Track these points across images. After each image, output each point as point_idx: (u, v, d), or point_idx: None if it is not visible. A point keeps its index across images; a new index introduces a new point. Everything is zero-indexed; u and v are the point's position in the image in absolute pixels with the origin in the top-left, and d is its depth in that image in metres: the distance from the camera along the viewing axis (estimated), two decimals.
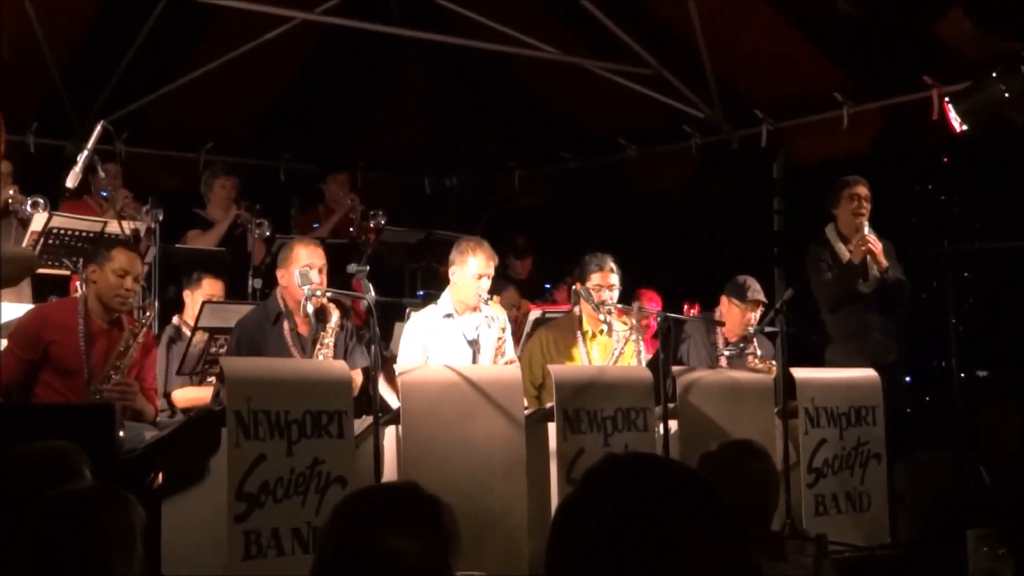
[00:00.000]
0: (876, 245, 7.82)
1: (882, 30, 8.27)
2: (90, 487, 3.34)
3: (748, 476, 3.71)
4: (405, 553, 2.29)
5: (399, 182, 11.67)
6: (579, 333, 7.32)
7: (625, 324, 7.22)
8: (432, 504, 2.44)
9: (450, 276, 6.86)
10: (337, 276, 6.81)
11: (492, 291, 6.88)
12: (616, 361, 7.12)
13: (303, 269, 6.37)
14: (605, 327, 7.13)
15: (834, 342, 8.02)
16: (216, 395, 6.68)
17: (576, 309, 7.43)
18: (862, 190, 7.95)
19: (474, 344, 6.78)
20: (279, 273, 6.61)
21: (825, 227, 8.07)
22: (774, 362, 7.44)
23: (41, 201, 7.42)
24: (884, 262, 7.83)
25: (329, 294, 6.45)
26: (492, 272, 6.77)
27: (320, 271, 6.47)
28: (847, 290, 7.88)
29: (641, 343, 7.23)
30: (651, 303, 8.43)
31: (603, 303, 7.09)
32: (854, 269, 7.86)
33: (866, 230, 7.84)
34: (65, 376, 6.07)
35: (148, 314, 6.21)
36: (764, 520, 3.79)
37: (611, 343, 7.21)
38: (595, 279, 7.23)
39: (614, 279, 7.24)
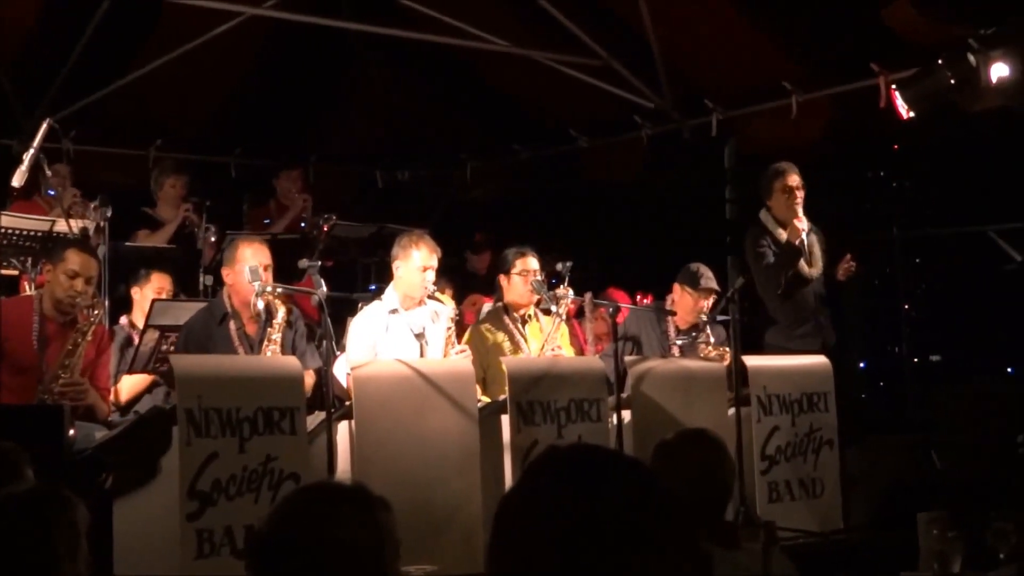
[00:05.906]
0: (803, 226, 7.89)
1: (830, 18, 8.30)
2: (31, 488, 3.29)
3: (703, 467, 3.71)
4: (343, 537, 2.30)
5: (351, 175, 11.62)
6: (508, 320, 7.40)
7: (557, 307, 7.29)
8: (378, 501, 2.45)
9: (394, 271, 6.85)
10: (289, 272, 6.78)
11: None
12: (545, 343, 7.17)
13: (252, 265, 6.31)
14: (532, 312, 7.27)
15: (776, 325, 8.03)
16: (167, 394, 6.64)
17: (504, 299, 7.51)
18: (794, 179, 7.97)
19: (421, 338, 6.77)
20: (224, 272, 6.56)
21: (759, 213, 8.10)
22: (727, 348, 7.46)
23: None
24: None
25: (279, 290, 6.40)
26: (436, 264, 6.77)
27: (266, 269, 6.40)
28: (793, 272, 7.89)
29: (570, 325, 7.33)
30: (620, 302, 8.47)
31: (556, 288, 7.21)
32: (795, 250, 7.88)
33: (800, 213, 7.89)
34: (19, 375, 6.02)
35: (97, 312, 6.14)
36: (719, 510, 3.79)
37: (541, 327, 7.34)
38: (518, 265, 7.37)
39: (533, 263, 7.39)
